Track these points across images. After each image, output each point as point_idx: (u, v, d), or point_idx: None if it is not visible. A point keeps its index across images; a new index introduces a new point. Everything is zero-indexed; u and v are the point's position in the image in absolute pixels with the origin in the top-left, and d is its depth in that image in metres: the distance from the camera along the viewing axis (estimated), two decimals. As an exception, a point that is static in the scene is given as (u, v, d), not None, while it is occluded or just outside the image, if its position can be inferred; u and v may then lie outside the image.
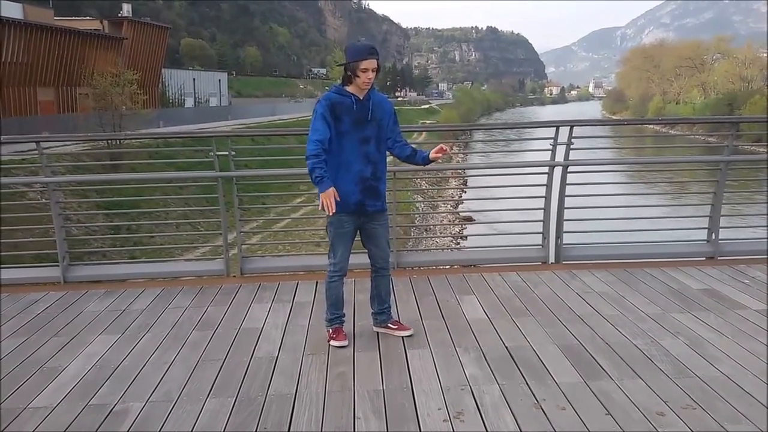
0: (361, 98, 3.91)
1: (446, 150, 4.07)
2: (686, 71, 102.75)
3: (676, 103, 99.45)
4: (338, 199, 3.79)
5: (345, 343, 4.05)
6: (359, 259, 4.45)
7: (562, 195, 5.81)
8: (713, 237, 5.96)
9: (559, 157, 5.73)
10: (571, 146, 5.65)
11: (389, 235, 4.29)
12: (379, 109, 3.97)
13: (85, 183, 15.34)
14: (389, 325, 4.24)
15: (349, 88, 3.90)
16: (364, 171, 3.95)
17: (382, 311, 4.27)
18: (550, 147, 5.72)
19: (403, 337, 4.14)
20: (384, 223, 4.16)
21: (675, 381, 3.46)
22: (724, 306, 4.66)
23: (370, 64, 3.80)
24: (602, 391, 3.37)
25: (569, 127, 5.64)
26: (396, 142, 4.13)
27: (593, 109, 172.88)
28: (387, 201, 4.22)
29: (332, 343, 4.06)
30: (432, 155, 4.08)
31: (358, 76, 3.82)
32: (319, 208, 3.82)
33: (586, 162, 5.93)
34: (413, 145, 4.24)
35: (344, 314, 4.23)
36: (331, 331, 4.14)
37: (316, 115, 3.87)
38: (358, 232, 4.13)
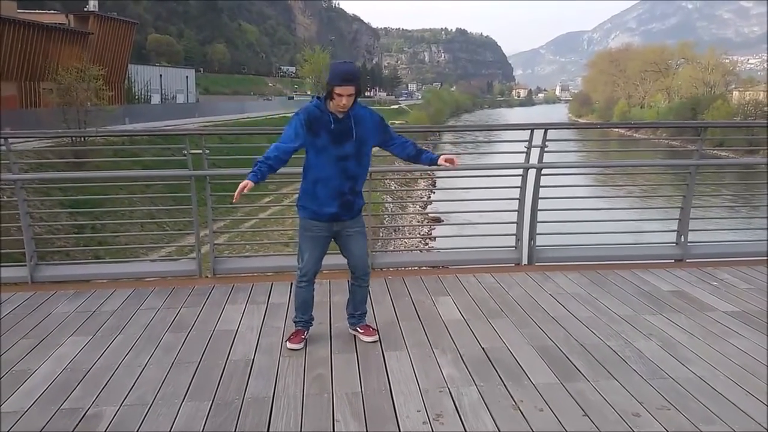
0: (340, 117, 3.80)
1: (456, 163, 4.04)
2: (651, 75, 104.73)
3: (641, 107, 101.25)
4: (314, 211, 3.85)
5: (297, 346, 4.01)
6: (335, 260, 4.43)
7: (535, 197, 5.86)
8: (682, 239, 6.07)
9: (533, 159, 5.78)
10: (545, 149, 5.70)
11: (367, 241, 4.24)
12: (360, 124, 3.85)
13: (54, 180, 15.05)
14: (358, 328, 4.22)
15: (329, 106, 3.79)
16: (342, 186, 3.89)
17: (353, 315, 4.25)
18: (524, 149, 5.76)
19: (373, 342, 4.11)
20: (359, 230, 4.08)
21: (649, 382, 3.52)
22: (694, 308, 4.74)
23: (345, 90, 3.67)
24: (578, 391, 3.40)
25: (543, 130, 5.69)
26: (393, 144, 4.03)
27: (560, 112, 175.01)
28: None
29: (287, 344, 4.05)
30: (442, 161, 3.99)
31: (333, 99, 3.73)
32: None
33: (560, 165, 5.99)
34: (419, 145, 4.15)
35: (311, 318, 4.19)
36: (284, 328, 4.15)
37: (289, 123, 3.84)
38: (334, 241, 4.09)
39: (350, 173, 3.89)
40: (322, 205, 3.89)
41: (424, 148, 4.15)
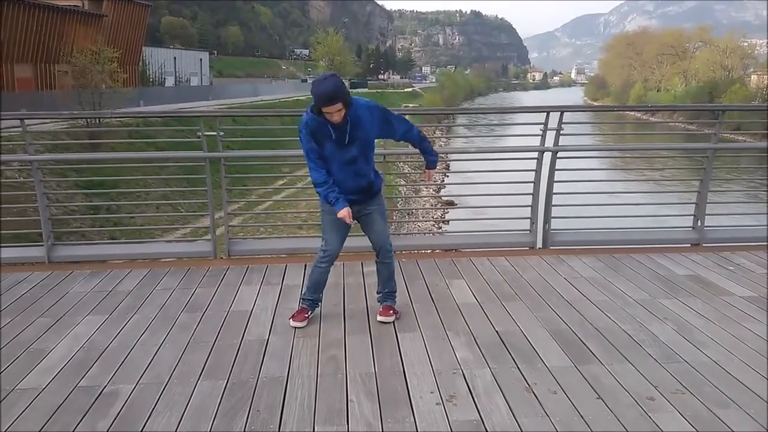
0: (339, 125, 3.75)
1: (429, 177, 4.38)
2: (668, 59, 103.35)
3: (657, 91, 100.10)
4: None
5: (301, 324, 4.07)
6: (349, 242, 4.42)
7: (551, 180, 5.82)
8: (699, 224, 6.02)
9: (549, 143, 5.73)
10: (561, 132, 5.65)
11: (386, 219, 4.27)
12: (358, 127, 3.80)
13: (68, 162, 15.16)
14: (380, 308, 4.24)
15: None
16: (357, 183, 3.97)
17: (380, 293, 4.30)
18: (539, 132, 5.72)
19: (385, 321, 4.14)
20: (378, 208, 4.13)
21: (664, 366, 3.50)
22: (710, 292, 4.71)
23: (333, 108, 3.63)
24: (592, 375, 3.40)
25: (559, 113, 5.64)
26: (396, 136, 4.07)
27: (575, 96, 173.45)
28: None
29: (291, 321, 4.10)
30: (426, 174, 4.34)
31: (324, 115, 3.70)
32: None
33: (576, 148, 5.94)
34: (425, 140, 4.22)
35: (319, 299, 4.25)
36: (297, 308, 4.18)
37: (303, 147, 3.86)
38: (357, 221, 4.12)
39: (361, 172, 3.96)
40: (343, 192, 3.93)
41: (427, 145, 4.21)
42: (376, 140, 4.06)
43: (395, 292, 4.31)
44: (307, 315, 4.15)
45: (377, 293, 4.32)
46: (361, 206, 4.05)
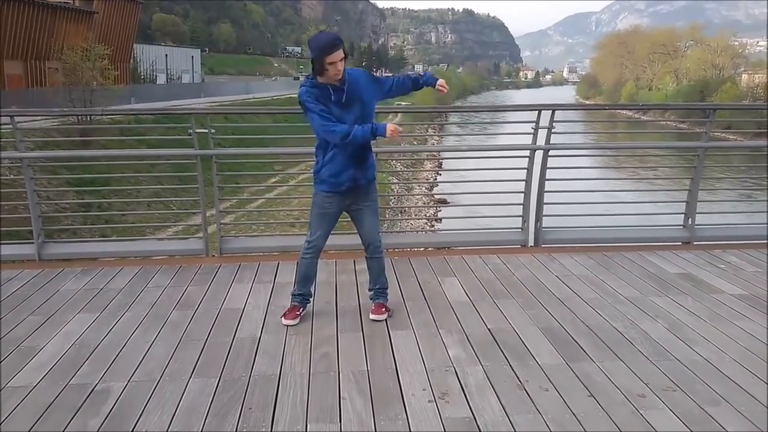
0: (338, 84, 3.81)
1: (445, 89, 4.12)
2: (660, 58, 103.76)
3: (649, 89, 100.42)
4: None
5: (292, 322, 4.07)
6: (341, 240, 4.45)
7: (542, 179, 5.84)
8: (689, 222, 6.05)
9: (540, 141, 5.75)
10: (553, 130, 5.67)
11: (378, 216, 4.27)
12: (355, 87, 3.87)
13: (59, 159, 15.10)
14: (373, 306, 4.25)
15: (322, 80, 3.80)
16: (356, 151, 3.94)
17: (371, 289, 4.31)
18: (531, 131, 5.73)
19: (377, 320, 4.15)
20: (371, 204, 4.14)
21: (655, 363, 3.52)
22: (701, 290, 4.73)
23: (337, 56, 3.69)
24: (584, 372, 3.41)
25: (551, 111, 5.66)
26: (390, 90, 4.08)
27: (567, 94, 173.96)
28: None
29: (282, 320, 4.09)
30: (439, 84, 4.10)
31: (327, 70, 3.73)
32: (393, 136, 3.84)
33: (567, 146, 5.97)
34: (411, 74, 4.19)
35: (309, 294, 4.25)
36: (288, 306, 4.18)
37: (312, 113, 3.79)
38: (348, 215, 4.14)
39: None
40: (341, 172, 3.92)
41: (415, 75, 4.17)
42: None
43: (387, 288, 4.31)
44: (298, 312, 4.14)
45: (369, 290, 4.32)
46: (355, 198, 4.06)
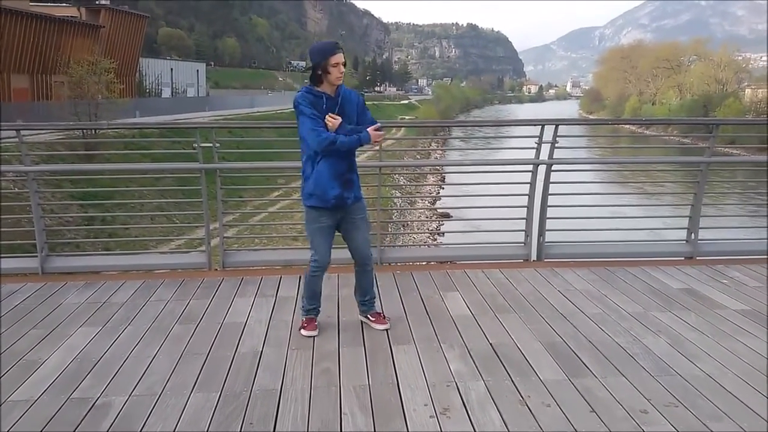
0: (332, 95, 3.93)
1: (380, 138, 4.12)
2: (663, 72, 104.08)
3: (653, 104, 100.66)
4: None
5: (315, 333, 4.11)
6: (343, 254, 4.43)
7: (545, 193, 5.85)
8: (692, 237, 6.04)
9: (543, 155, 5.76)
10: (556, 145, 5.68)
11: (370, 230, 4.30)
12: (347, 103, 3.99)
13: (63, 173, 15.15)
14: (369, 316, 4.28)
15: (320, 88, 3.92)
16: (340, 165, 3.99)
17: (362, 302, 4.32)
18: (534, 145, 5.74)
19: (383, 330, 4.18)
20: (362, 217, 4.17)
21: (657, 379, 3.51)
22: (704, 306, 4.72)
23: (339, 58, 3.85)
24: (586, 388, 3.40)
25: (554, 126, 5.67)
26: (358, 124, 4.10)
27: (571, 109, 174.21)
28: (371, 196, 4.22)
29: (302, 332, 4.12)
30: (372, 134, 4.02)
31: (330, 72, 3.85)
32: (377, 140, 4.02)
33: (570, 161, 5.97)
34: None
35: (320, 305, 4.27)
36: (304, 320, 4.19)
37: (304, 116, 3.87)
38: (338, 230, 4.16)
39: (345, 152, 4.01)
40: (327, 189, 3.95)
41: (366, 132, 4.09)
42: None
43: (375, 297, 4.36)
44: (316, 324, 4.18)
45: (359, 303, 4.33)
46: (346, 212, 4.09)
